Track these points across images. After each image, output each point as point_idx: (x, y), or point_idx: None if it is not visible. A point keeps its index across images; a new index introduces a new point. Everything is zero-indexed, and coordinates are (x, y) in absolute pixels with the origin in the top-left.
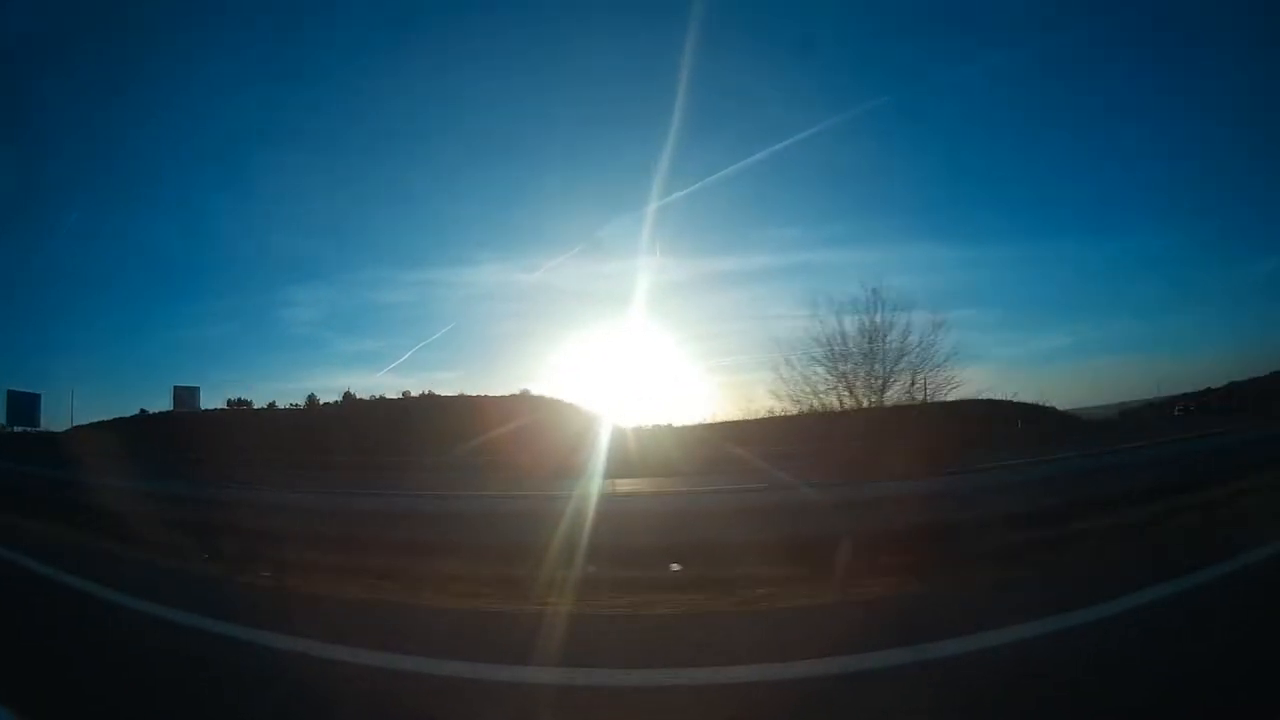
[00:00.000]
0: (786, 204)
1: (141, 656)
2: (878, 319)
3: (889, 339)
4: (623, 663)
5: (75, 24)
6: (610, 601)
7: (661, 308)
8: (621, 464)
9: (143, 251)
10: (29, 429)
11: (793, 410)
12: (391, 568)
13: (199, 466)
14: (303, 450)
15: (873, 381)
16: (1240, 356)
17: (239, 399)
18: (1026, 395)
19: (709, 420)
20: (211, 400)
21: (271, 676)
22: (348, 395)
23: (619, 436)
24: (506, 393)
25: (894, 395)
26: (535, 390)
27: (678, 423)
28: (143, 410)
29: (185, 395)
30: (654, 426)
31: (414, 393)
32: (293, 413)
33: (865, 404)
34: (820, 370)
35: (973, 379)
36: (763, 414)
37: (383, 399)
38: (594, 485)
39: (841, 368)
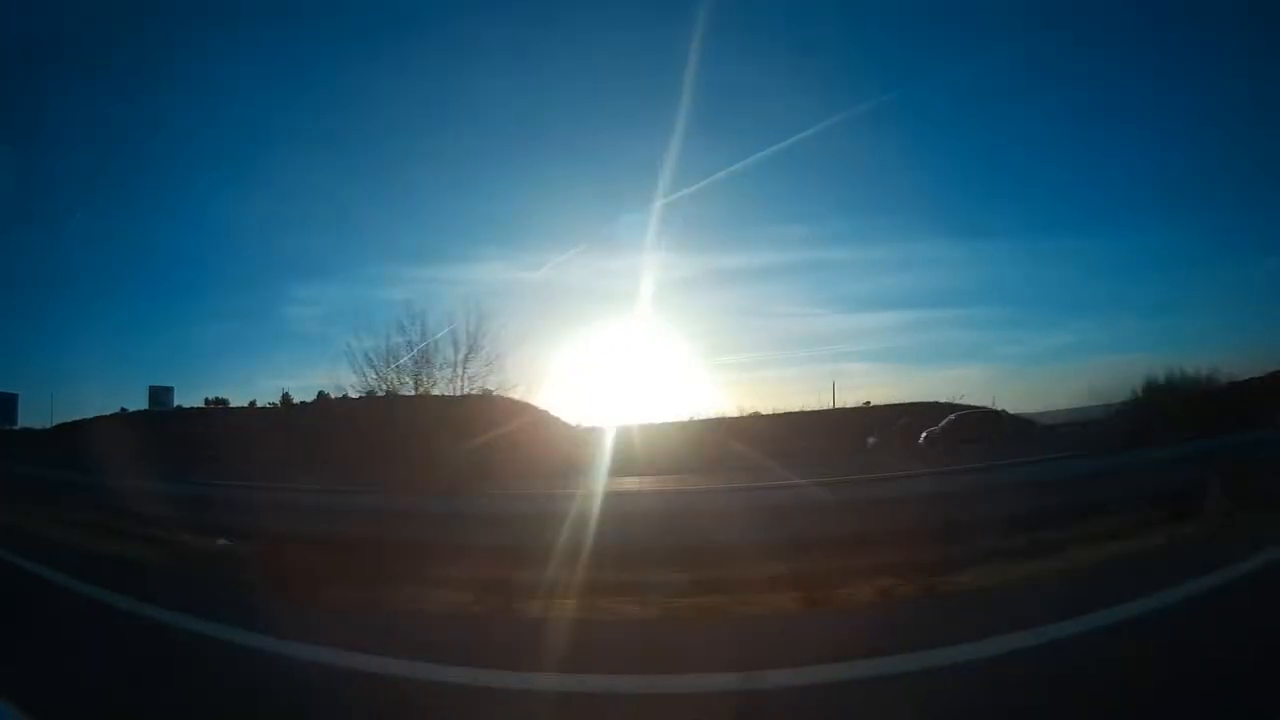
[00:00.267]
0: (792, 201)
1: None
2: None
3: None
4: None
5: (77, 23)
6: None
7: (666, 305)
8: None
9: (143, 249)
10: (8, 427)
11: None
12: None
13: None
14: (255, 448)
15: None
16: (1243, 356)
17: (216, 398)
18: (1034, 395)
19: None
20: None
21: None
22: (320, 394)
23: (576, 437)
24: (466, 392)
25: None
26: (496, 391)
27: (671, 420)
28: (123, 409)
29: (160, 394)
30: (636, 425)
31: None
32: (266, 411)
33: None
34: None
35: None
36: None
37: (341, 398)
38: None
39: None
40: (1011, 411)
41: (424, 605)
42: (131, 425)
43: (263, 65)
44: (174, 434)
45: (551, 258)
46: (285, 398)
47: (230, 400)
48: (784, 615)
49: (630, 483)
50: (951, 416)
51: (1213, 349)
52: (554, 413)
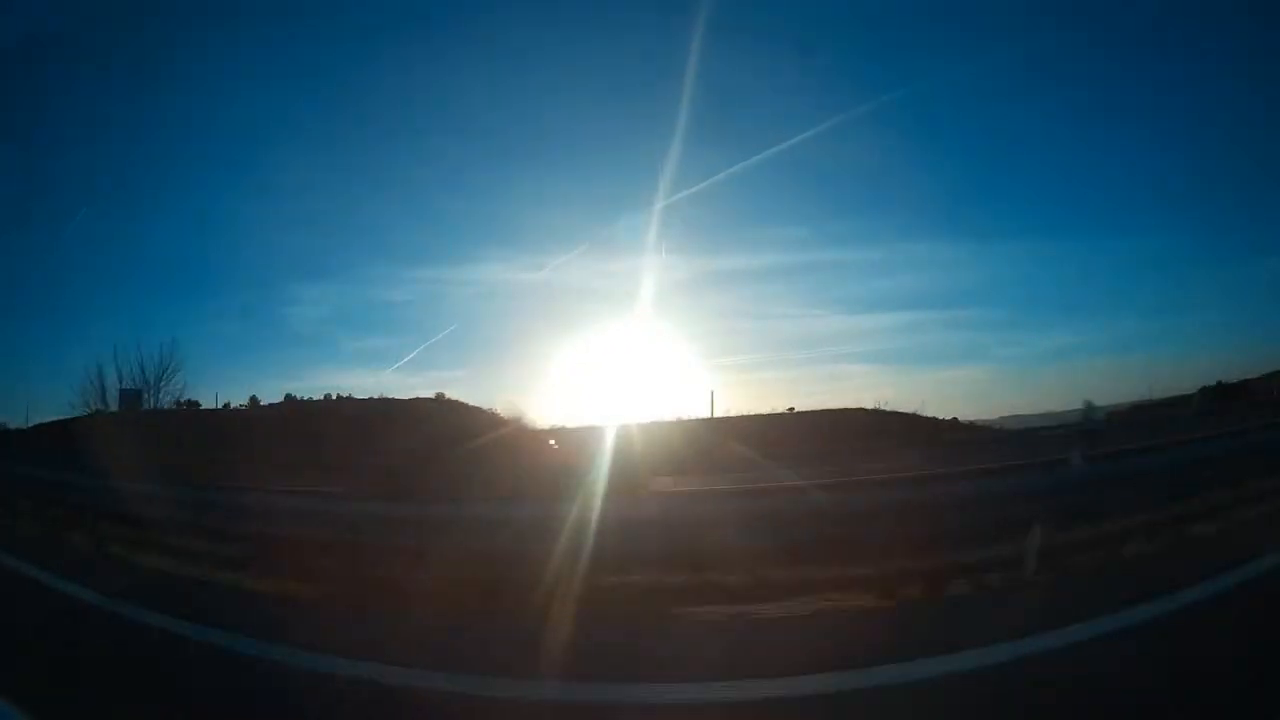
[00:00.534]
0: (793, 203)
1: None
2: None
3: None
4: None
5: (78, 23)
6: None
7: (666, 306)
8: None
9: (144, 249)
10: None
11: None
12: None
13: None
14: (214, 449)
15: None
16: (1242, 357)
17: (188, 399)
18: (1032, 398)
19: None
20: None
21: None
22: (288, 396)
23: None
24: (421, 395)
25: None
26: (450, 394)
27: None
28: (97, 410)
29: (129, 397)
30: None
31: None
32: (234, 412)
33: None
34: None
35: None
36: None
37: (305, 400)
38: None
39: None
40: (1008, 414)
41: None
42: (113, 425)
43: (264, 65)
44: (148, 434)
45: (552, 259)
46: (253, 400)
47: (201, 402)
48: None
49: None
50: None
51: (1211, 350)
52: (521, 418)
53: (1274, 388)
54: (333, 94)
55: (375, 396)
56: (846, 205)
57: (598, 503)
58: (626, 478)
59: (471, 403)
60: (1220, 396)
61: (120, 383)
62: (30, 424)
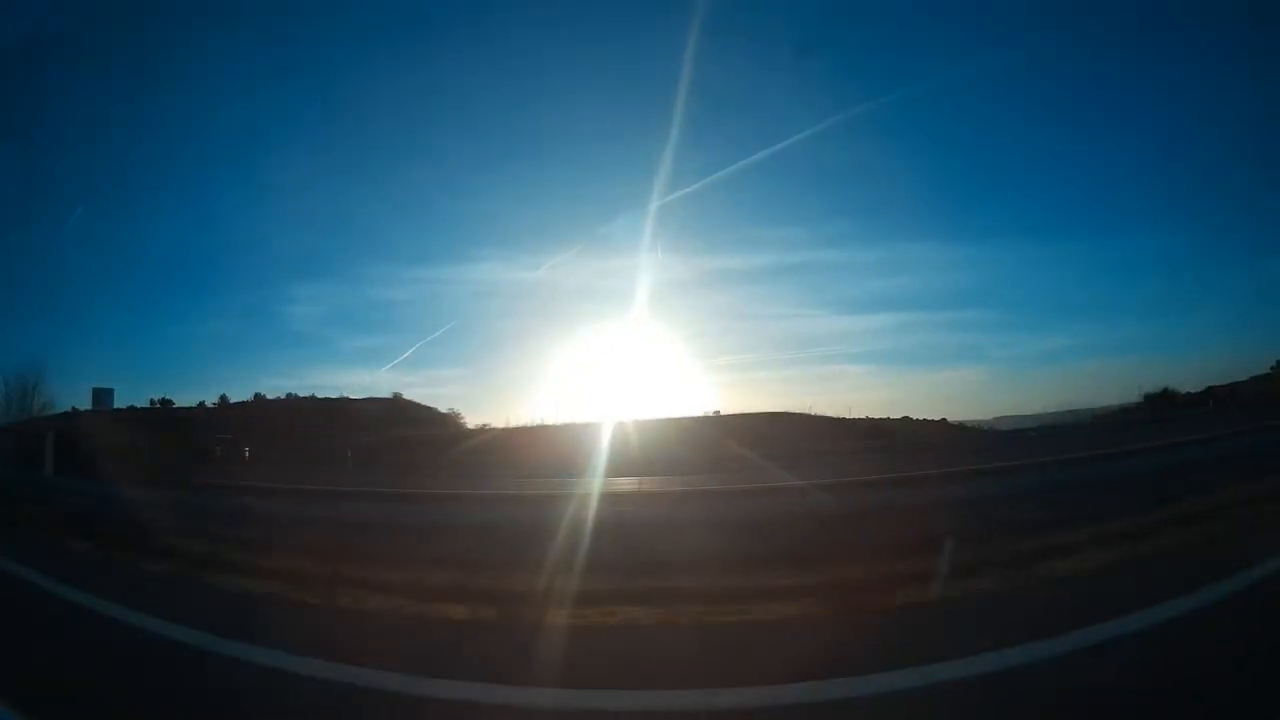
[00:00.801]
0: (789, 203)
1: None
2: None
3: None
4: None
5: (78, 23)
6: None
7: (662, 305)
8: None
9: (144, 249)
10: None
11: None
12: None
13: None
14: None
15: None
16: (1241, 357)
17: (162, 398)
18: (1027, 399)
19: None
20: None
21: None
22: (257, 396)
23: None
24: (379, 396)
25: None
26: (408, 395)
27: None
28: (74, 408)
29: (101, 395)
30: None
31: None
32: (204, 411)
33: None
34: None
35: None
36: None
37: (266, 398)
38: None
39: None
40: (1002, 415)
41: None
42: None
43: (263, 65)
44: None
45: (549, 258)
46: (223, 398)
47: (175, 401)
48: None
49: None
50: None
51: (1207, 351)
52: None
53: (1248, 392)
54: (331, 94)
55: (335, 396)
56: (842, 206)
57: None
58: None
59: (424, 403)
60: (1165, 403)
61: None
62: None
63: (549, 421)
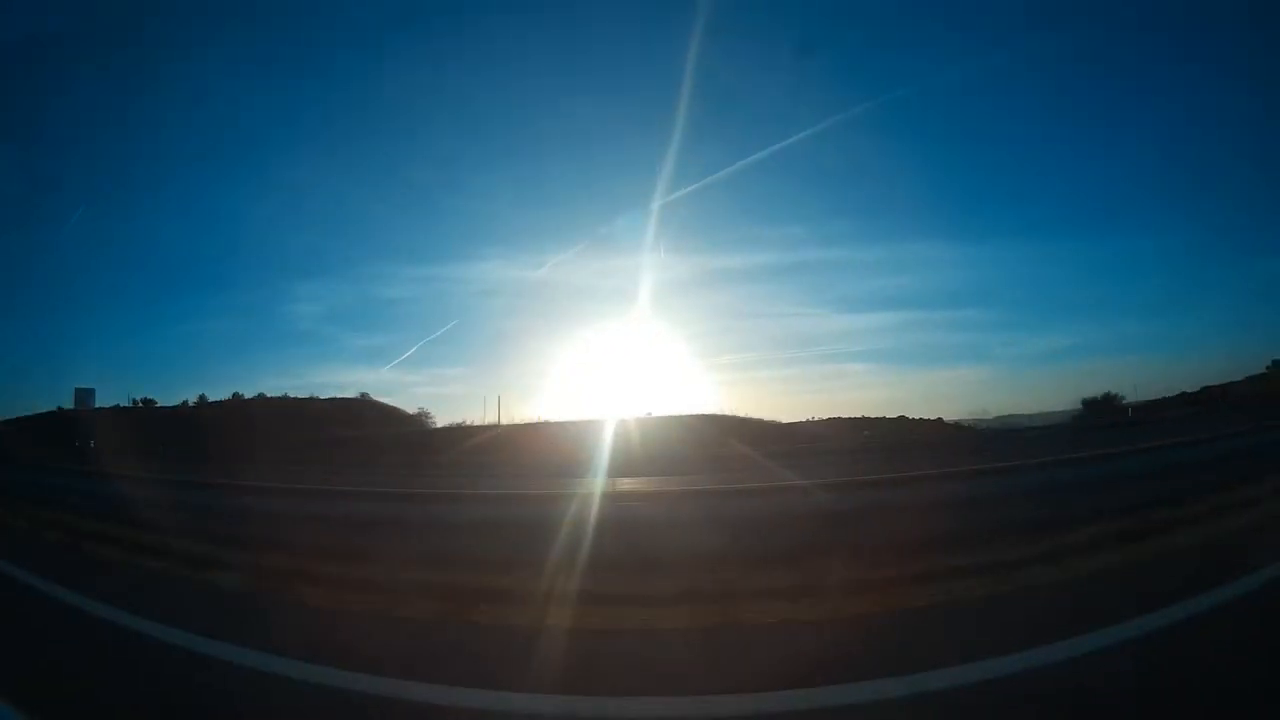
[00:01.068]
0: (790, 202)
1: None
2: None
3: None
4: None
5: (80, 23)
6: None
7: (665, 304)
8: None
9: (145, 248)
10: None
11: None
12: None
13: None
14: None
15: None
16: (1243, 357)
17: (144, 398)
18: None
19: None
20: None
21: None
22: (235, 395)
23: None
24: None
25: None
26: (373, 395)
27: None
28: (59, 408)
29: (83, 395)
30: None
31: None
32: (180, 410)
33: None
34: None
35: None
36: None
37: (244, 398)
38: None
39: None
40: (1005, 414)
41: None
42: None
43: (266, 66)
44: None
45: (551, 257)
46: (201, 398)
47: (157, 400)
48: None
49: None
50: None
51: (1207, 351)
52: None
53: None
54: (333, 94)
55: (307, 396)
56: (844, 205)
57: None
58: None
59: (391, 403)
60: (1106, 410)
61: None
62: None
63: (548, 419)
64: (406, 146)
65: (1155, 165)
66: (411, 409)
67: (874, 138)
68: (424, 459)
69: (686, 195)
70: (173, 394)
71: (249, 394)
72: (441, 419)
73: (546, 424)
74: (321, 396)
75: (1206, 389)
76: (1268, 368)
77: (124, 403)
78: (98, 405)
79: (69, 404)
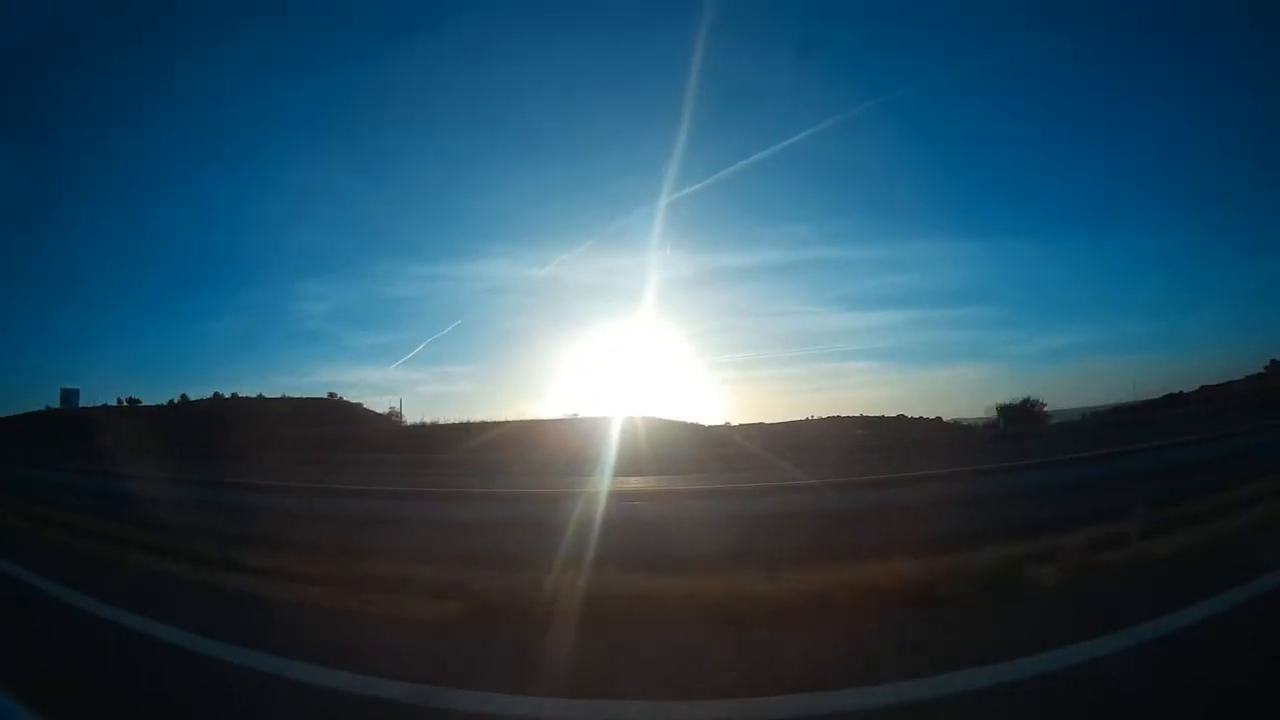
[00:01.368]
0: (796, 200)
1: None
2: None
3: None
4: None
5: (86, 23)
6: None
7: (669, 302)
8: None
9: (151, 246)
10: None
11: None
12: None
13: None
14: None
15: None
16: (1247, 356)
17: (130, 397)
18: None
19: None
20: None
21: None
22: (216, 394)
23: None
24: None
25: None
26: (341, 395)
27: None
28: (48, 407)
29: (68, 395)
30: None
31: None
32: (164, 408)
33: None
34: None
35: None
36: None
37: (224, 397)
38: None
39: None
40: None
41: None
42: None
43: (275, 64)
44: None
45: (557, 255)
46: (183, 397)
47: (143, 400)
48: None
49: None
50: None
51: (1213, 350)
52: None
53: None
54: (340, 93)
55: (279, 395)
56: (847, 203)
57: None
58: None
59: (360, 402)
60: (1020, 417)
61: None
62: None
63: (551, 417)
64: (414, 145)
65: (1157, 165)
66: (382, 409)
67: (877, 136)
68: (390, 456)
69: (691, 194)
70: (164, 392)
71: (244, 393)
72: (449, 417)
73: (551, 422)
74: (293, 395)
75: (1204, 388)
76: (1265, 367)
77: (111, 401)
78: (98, 404)
79: (55, 403)
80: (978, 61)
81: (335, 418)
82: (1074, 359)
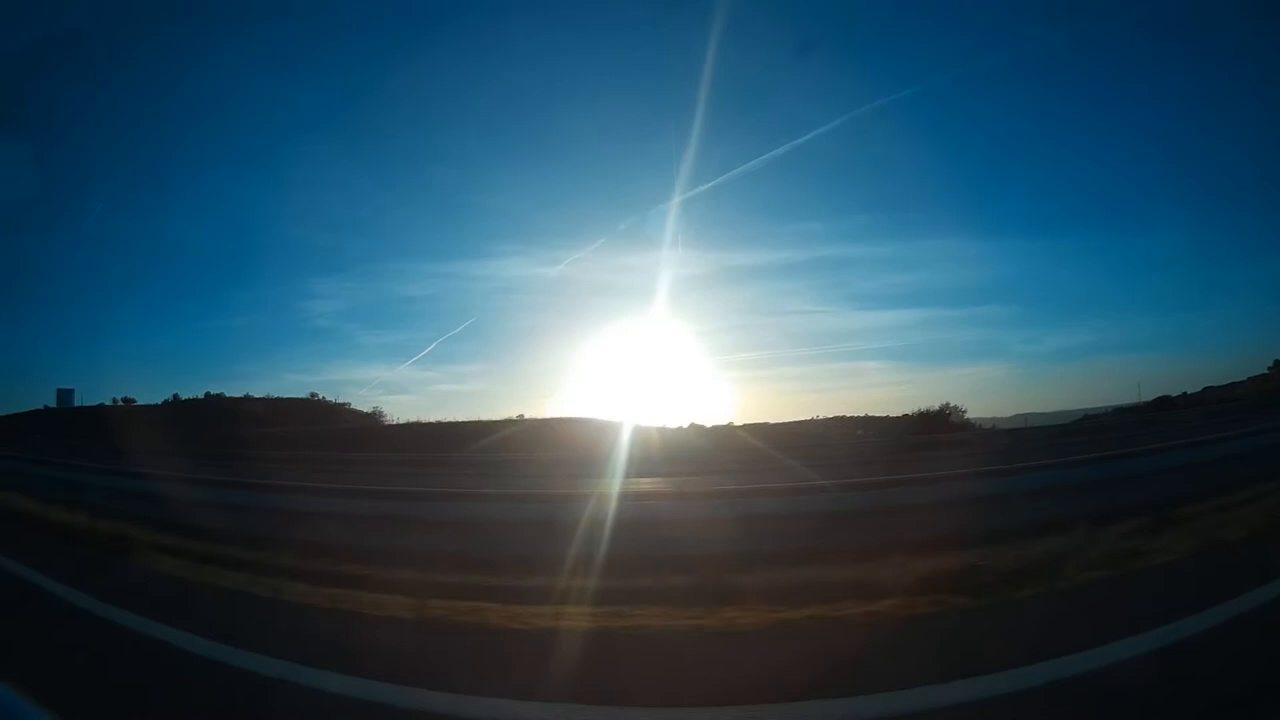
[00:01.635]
0: (808, 198)
1: None
2: None
3: None
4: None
5: (97, 23)
6: None
7: (681, 301)
8: None
9: (159, 245)
10: None
11: None
12: None
13: None
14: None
15: None
16: (1259, 355)
17: (125, 397)
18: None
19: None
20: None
21: None
22: (207, 394)
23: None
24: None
25: None
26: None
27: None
28: (45, 406)
29: (64, 394)
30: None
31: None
32: (155, 408)
33: None
34: None
35: None
36: None
37: (217, 395)
38: None
39: None
40: (1024, 413)
41: None
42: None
43: (286, 64)
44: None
45: (569, 254)
46: (175, 396)
47: (137, 399)
48: None
49: None
50: None
51: (1227, 349)
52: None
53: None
54: (351, 91)
55: (253, 395)
56: (862, 201)
57: None
58: None
59: (340, 401)
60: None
61: None
62: None
63: (566, 416)
64: (426, 145)
65: (1185, 159)
66: (366, 408)
67: (889, 134)
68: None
69: (703, 192)
70: (159, 392)
71: (237, 393)
72: (460, 415)
73: (565, 421)
74: (272, 395)
75: (1208, 389)
76: (1269, 369)
77: (106, 401)
78: (108, 402)
79: (52, 403)
80: (988, 59)
81: (319, 416)
82: (1083, 359)
